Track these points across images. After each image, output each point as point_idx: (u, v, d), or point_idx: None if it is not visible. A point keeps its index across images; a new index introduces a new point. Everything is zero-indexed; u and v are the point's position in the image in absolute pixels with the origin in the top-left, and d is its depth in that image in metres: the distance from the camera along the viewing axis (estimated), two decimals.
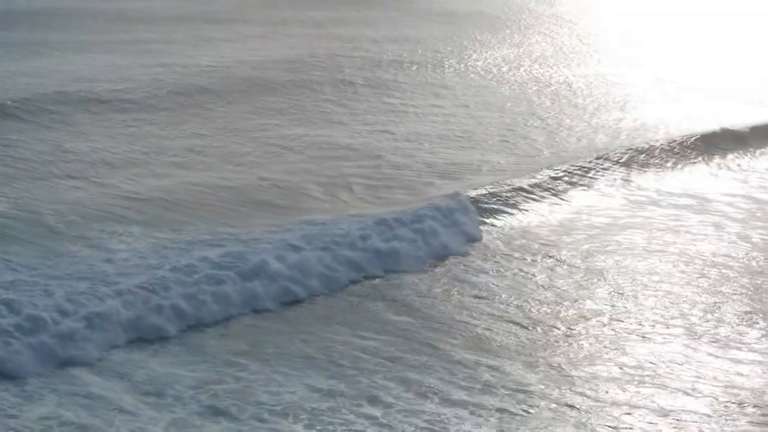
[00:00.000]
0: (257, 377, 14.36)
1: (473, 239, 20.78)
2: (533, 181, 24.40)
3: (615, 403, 14.10)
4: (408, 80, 37.75)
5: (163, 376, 14.26)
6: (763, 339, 16.38)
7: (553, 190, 24.28)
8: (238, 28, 50.70)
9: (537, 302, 17.71)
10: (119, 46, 43.57)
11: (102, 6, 56.63)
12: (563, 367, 15.19)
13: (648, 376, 14.96)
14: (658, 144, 28.85)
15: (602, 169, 26.23)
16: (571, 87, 37.64)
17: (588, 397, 14.26)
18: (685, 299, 18.05)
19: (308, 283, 17.71)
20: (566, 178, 25.06)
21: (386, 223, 20.28)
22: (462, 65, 41.41)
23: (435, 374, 14.72)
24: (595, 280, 18.87)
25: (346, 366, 14.90)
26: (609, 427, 13.45)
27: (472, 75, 39.52)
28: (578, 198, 24.17)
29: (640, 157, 27.63)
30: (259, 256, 18.04)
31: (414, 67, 40.44)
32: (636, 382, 14.73)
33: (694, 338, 16.35)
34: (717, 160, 28.48)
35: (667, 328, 16.74)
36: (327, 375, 14.55)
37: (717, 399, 14.30)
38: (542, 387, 14.49)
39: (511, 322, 16.84)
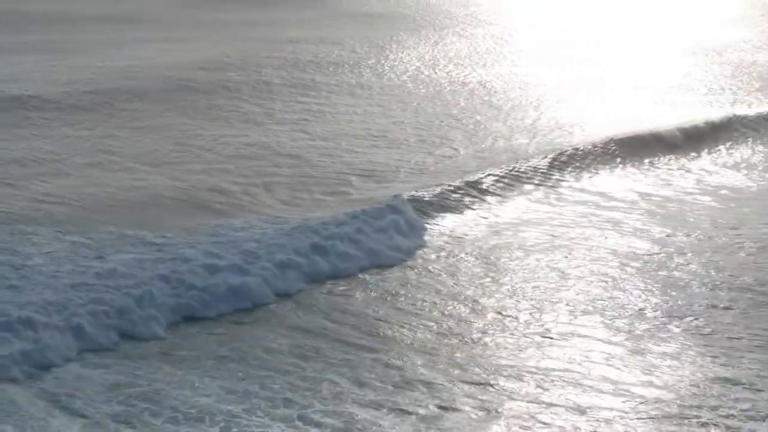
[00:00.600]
0: (171, 380, 14.18)
1: (408, 242, 20.46)
2: (461, 183, 24.21)
3: (532, 401, 14.12)
4: (325, 80, 37.67)
5: (73, 380, 14.03)
6: (675, 335, 16.50)
7: (482, 192, 24.09)
8: (155, 29, 50.30)
9: (455, 302, 17.68)
10: (34, 46, 43.04)
11: (16, 7, 55.92)
12: (479, 366, 15.19)
13: (563, 373, 15.00)
14: (577, 144, 28.91)
15: (531, 170, 26.17)
16: (486, 87, 37.73)
17: (504, 395, 14.27)
18: (596, 296, 18.14)
19: (229, 291, 17.22)
20: (493, 180, 24.91)
21: (313, 229, 19.87)
22: (379, 65, 41.41)
23: (349, 374, 14.65)
24: (516, 280, 18.89)
25: (259, 367, 14.78)
26: (525, 426, 13.47)
27: (388, 75, 39.52)
28: (509, 200, 24.02)
29: (562, 158, 27.62)
30: (176, 264, 17.75)
31: (331, 68, 40.37)
32: (551, 381, 14.76)
33: (608, 335, 16.43)
34: (632, 159, 28.60)
35: (580, 326, 16.81)
36: (241, 377, 14.42)
37: (633, 395, 14.37)
38: (458, 386, 14.48)
39: (427, 321, 16.81)
